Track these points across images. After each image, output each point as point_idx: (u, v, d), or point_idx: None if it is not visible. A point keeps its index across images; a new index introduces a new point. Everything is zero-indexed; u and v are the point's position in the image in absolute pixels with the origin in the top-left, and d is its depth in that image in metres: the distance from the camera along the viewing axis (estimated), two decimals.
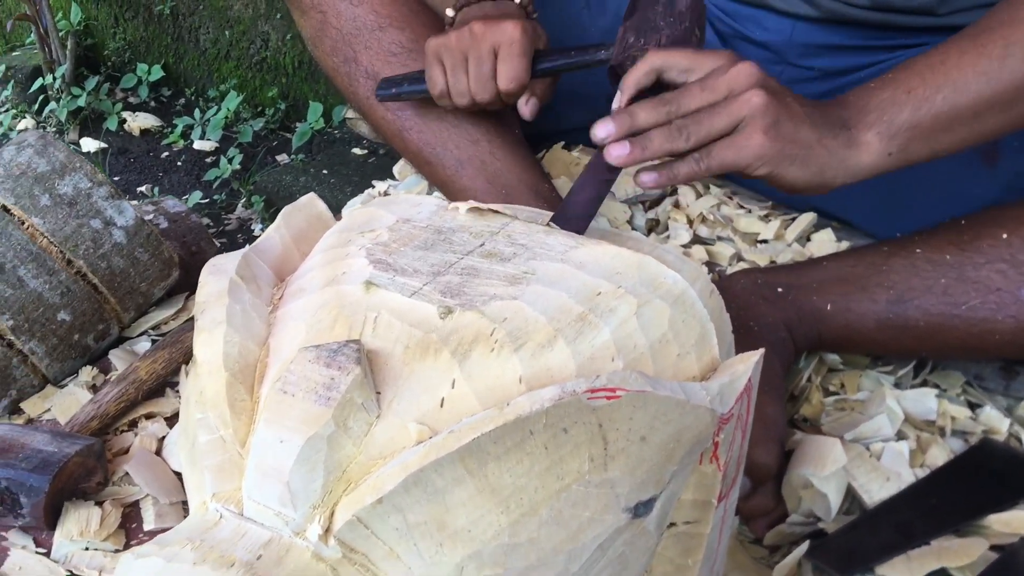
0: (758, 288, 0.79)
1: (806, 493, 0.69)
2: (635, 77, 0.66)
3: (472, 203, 0.61)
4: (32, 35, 2.16)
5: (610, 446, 0.46)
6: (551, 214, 0.68)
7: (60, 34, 2.15)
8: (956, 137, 0.67)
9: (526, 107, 0.88)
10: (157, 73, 2.21)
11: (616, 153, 0.62)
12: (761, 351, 0.55)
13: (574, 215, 0.62)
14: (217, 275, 0.55)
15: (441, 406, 0.47)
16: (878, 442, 0.73)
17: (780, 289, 0.79)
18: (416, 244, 0.57)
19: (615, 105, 0.68)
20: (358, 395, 0.46)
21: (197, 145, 2.03)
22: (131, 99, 2.22)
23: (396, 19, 0.98)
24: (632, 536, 0.49)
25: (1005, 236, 0.71)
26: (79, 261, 0.80)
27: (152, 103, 2.22)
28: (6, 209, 0.80)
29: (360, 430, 0.46)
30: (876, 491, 0.69)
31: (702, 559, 0.55)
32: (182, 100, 2.23)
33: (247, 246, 0.61)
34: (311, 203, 0.67)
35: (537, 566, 0.45)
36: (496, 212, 0.61)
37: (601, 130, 0.63)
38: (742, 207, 1.00)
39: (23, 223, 0.79)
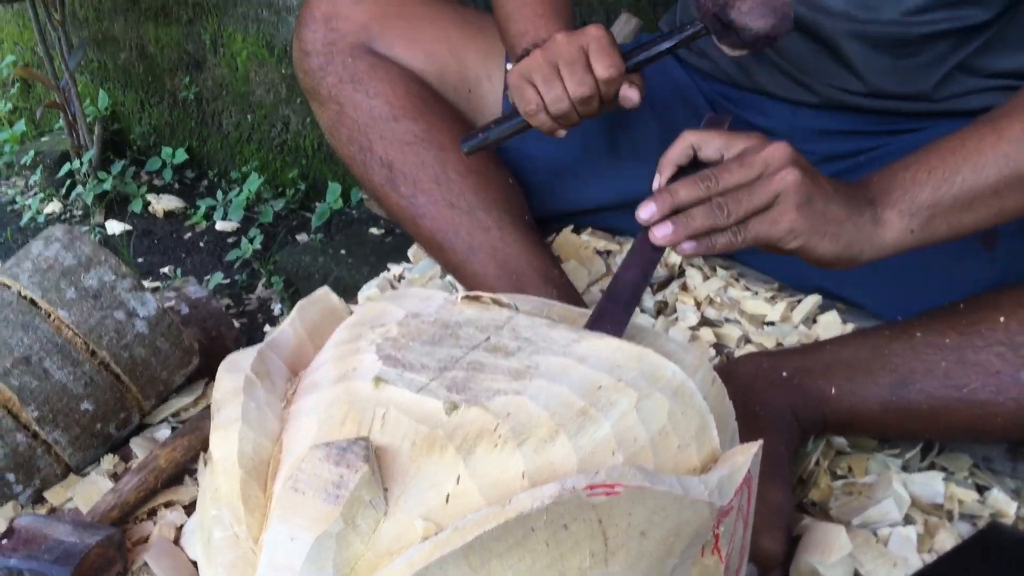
0: (763, 372, 0.81)
1: None
2: (672, 155, 0.69)
3: (477, 293, 0.63)
4: (61, 121, 2.24)
5: (610, 541, 0.48)
6: (557, 303, 0.70)
7: (88, 120, 2.22)
8: (977, 216, 0.70)
9: (632, 91, 0.86)
10: (181, 156, 2.28)
11: (661, 233, 0.65)
12: (760, 442, 0.57)
13: (621, 298, 0.64)
14: (233, 372, 0.57)
15: (447, 502, 0.49)
16: (885, 527, 0.74)
17: (785, 373, 0.80)
18: (424, 339, 0.59)
19: (655, 184, 0.71)
20: (366, 493, 0.48)
21: (219, 226, 2.08)
22: (156, 181, 2.28)
23: (410, 110, 1.02)
24: None
25: (1003, 320, 0.73)
26: (103, 352, 0.83)
27: (176, 185, 2.28)
28: (33, 303, 0.83)
29: (368, 527, 0.48)
30: None
31: None
32: (205, 182, 2.30)
33: (263, 342, 0.63)
34: (325, 296, 0.69)
35: None
36: (501, 304, 0.63)
37: (645, 212, 0.66)
38: (748, 289, 1.02)
39: (49, 316, 0.82)
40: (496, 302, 0.64)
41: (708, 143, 0.69)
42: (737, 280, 1.03)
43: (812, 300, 0.97)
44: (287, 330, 0.65)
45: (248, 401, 0.55)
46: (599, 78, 0.83)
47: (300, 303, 0.68)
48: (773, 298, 1.00)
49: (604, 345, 0.58)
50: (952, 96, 0.93)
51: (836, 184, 0.69)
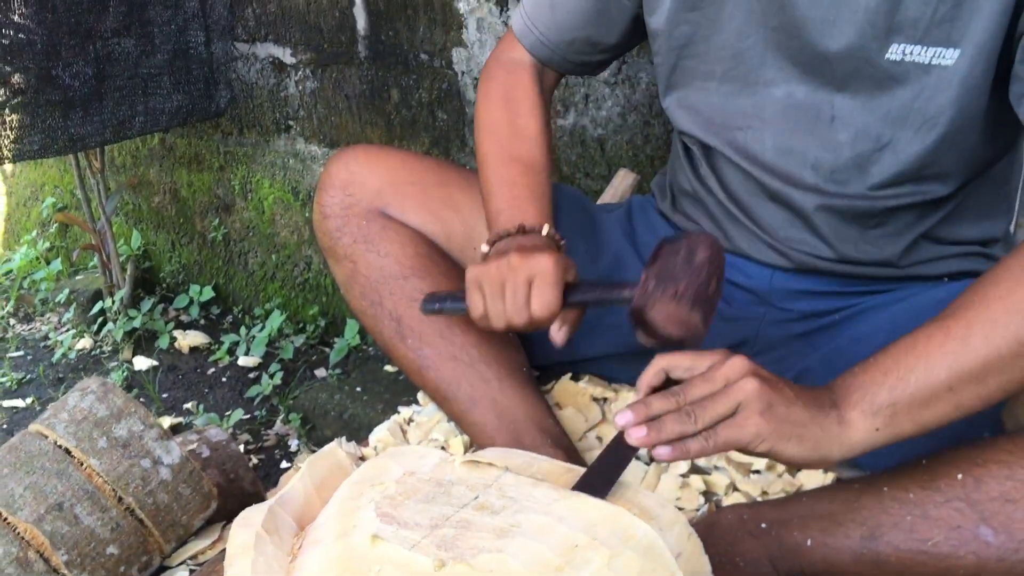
0: (743, 524, 0.86)
1: None
2: (647, 379, 0.77)
3: (473, 458, 0.70)
4: (95, 260, 2.37)
5: None
6: (544, 459, 0.77)
7: (121, 259, 2.35)
8: (938, 412, 0.75)
9: (558, 334, 0.95)
10: (208, 294, 2.40)
11: (636, 435, 0.71)
12: None
13: (599, 482, 0.72)
14: (246, 528, 0.64)
15: None
16: None
17: (764, 524, 0.85)
18: (418, 497, 0.66)
19: (631, 401, 0.78)
20: None
21: (242, 361, 2.16)
22: (183, 318, 2.39)
23: (418, 270, 1.11)
24: None
25: (960, 476, 0.78)
26: (129, 498, 0.90)
27: (202, 321, 2.39)
28: (68, 451, 0.90)
29: None
30: None
31: None
32: (230, 318, 2.40)
33: (275, 496, 0.70)
34: (333, 452, 0.76)
35: None
36: (490, 465, 0.70)
37: (622, 418, 0.72)
38: None
39: (82, 464, 0.89)
40: (489, 465, 0.70)
41: (677, 365, 0.77)
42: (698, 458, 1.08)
43: None
44: (297, 485, 0.72)
45: (257, 556, 0.61)
46: (534, 315, 0.91)
47: (310, 458, 0.75)
48: None
49: (582, 504, 0.65)
50: (917, 263, 1.01)
51: (797, 390, 0.75)
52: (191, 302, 2.39)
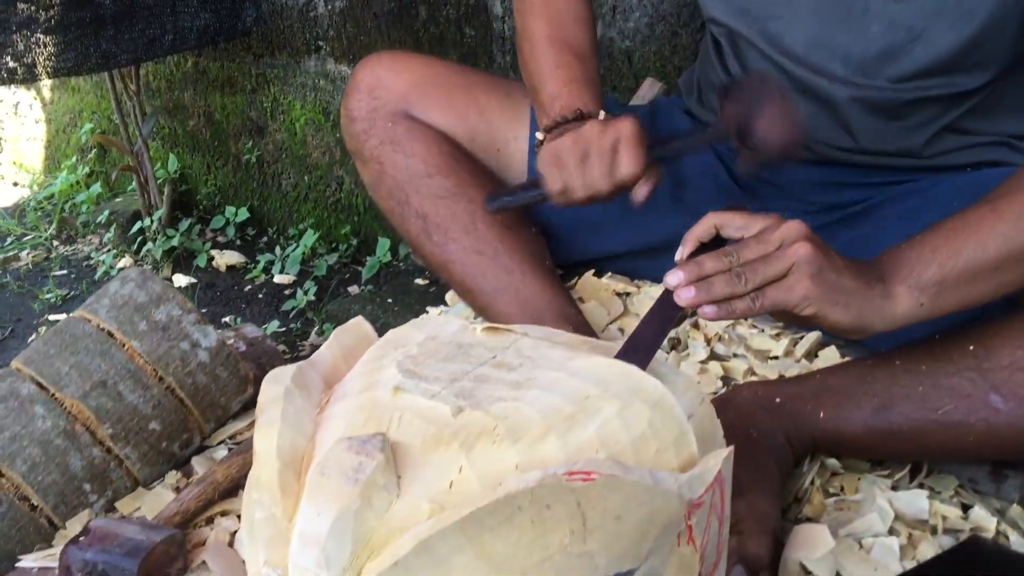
0: (758, 399, 0.88)
1: None
2: (697, 232, 0.77)
3: (495, 325, 0.73)
4: (133, 183, 2.43)
5: (588, 522, 0.56)
6: (565, 333, 0.79)
7: (158, 182, 2.40)
8: (980, 290, 0.76)
9: (641, 190, 0.95)
10: (243, 215, 2.44)
11: (685, 295, 0.72)
12: (730, 448, 0.64)
13: (641, 347, 0.72)
14: (276, 383, 0.67)
15: (450, 488, 0.58)
16: (869, 538, 0.80)
17: (778, 400, 0.88)
18: (439, 357, 0.68)
19: (678, 256, 0.78)
20: (381, 477, 0.57)
21: (277, 279, 2.21)
22: (219, 238, 2.44)
23: (442, 168, 1.14)
24: None
25: (971, 348, 0.79)
26: (169, 378, 0.94)
27: (238, 242, 2.43)
28: (110, 334, 0.95)
29: (382, 506, 0.57)
30: None
31: None
32: (265, 238, 2.44)
33: (302, 362, 0.73)
34: (359, 325, 0.79)
35: None
36: (509, 331, 0.72)
37: (673, 278, 0.73)
38: (755, 327, 1.09)
39: (124, 345, 0.94)
40: (508, 330, 0.73)
41: (731, 223, 0.77)
42: (744, 319, 1.10)
43: (813, 336, 1.04)
44: (324, 352, 0.75)
45: (287, 406, 0.65)
46: (623, 176, 0.91)
47: (337, 329, 0.78)
48: (777, 335, 1.07)
49: (595, 363, 0.67)
50: (940, 153, 1.01)
51: (847, 260, 0.76)
52: (227, 223, 2.44)
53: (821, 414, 0.85)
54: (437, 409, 0.61)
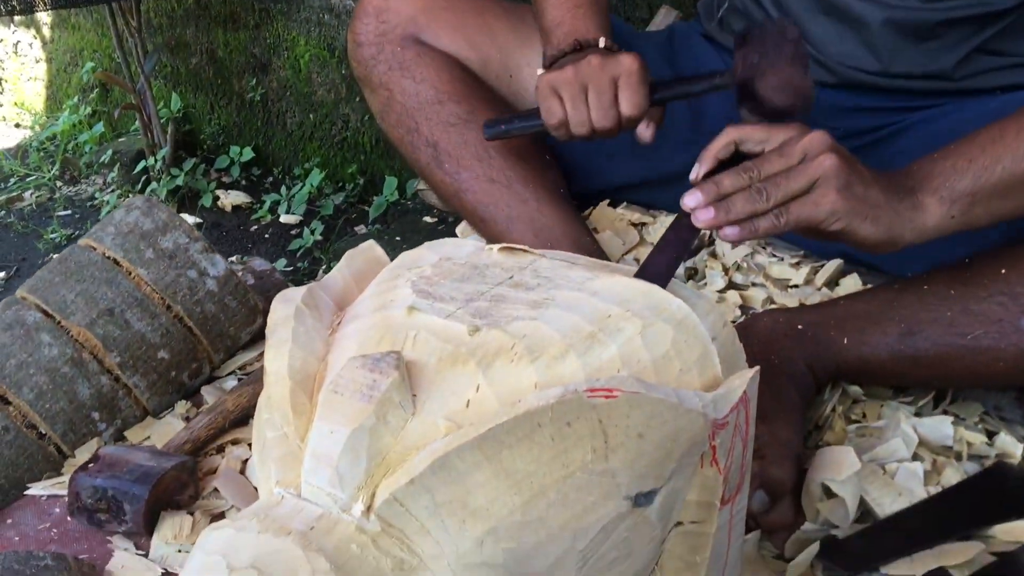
0: (780, 326, 0.86)
1: (823, 505, 0.75)
2: (715, 149, 0.73)
3: (511, 245, 0.70)
4: (136, 123, 2.39)
5: (610, 440, 0.54)
6: (583, 257, 0.76)
7: (161, 121, 2.36)
8: (1014, 203, 0.74)
9: (646, 132, 0.92)
10: (248, 154, 2.40)
11: (703, 217, 0.69)
12: (756, 368, 0.62)
13: (656, 273, 0.68)
14: (286, 303, 0.65)
15: (467, 406, 0.56)
16: (893, 463, 0.78)
17: (800, 326, 0.85)
18: (454, 277, 0.66)
19: (693, 175, 0.74)
20: (396, 395, 0.55)
21: (283, 219, 2.19)
22: (224, 179, 2.41)
23: (453, 94, 1.10)
24: (635, 523, 0.56)
25: (1003, 272, 0.77)
26: (177, 307, 0.92)
27: (243, 182, 2.40)
28: (116, 262, 0.92)
29: (397, 424, 0.55)
30: (888, 505, 0.74)
31: (709, 558, 0.62)
32: (270, 178, 2.41)
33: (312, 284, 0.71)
34: (370, 248, 0.77)
35: (546, 541, 0.53)
36: (526, 251, 0.70)
37: (691, 199, 0.69)
38: (775, 256, 1.07)
39: (130, 273, 0.92)
40: (525, 251, 0.70)
41: (750, 137, 0.73)
42: (764, 247, 1.08)
43: (834, 264, 1.02)
44: (336, 274, 0.73)
45: (298, 326, 0.63)
46: (623, 115, 0.88)
47: (348, 252, 0.75)
48: (797, 263, 1.05)
49: (615, 282, 0.65)
50: (970, 75, 0.97)
51: (875, 172, 0.73)
52: (232, 163, 2.41)
53: (845, 340, 0.83)
54: (453, 328, 0.59)
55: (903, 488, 0.75)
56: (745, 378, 0.61)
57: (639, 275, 0.69)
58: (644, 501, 0.56)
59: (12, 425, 0.84)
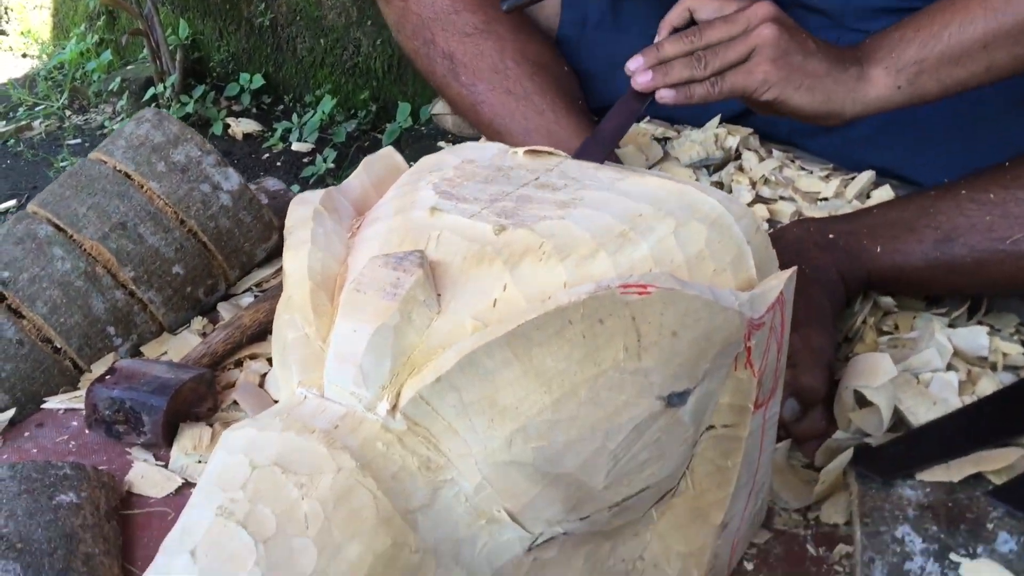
0: (810, 235, 0.83)
1: (855, 415, 0.73)
2: (671, 18, 0.74)
3: (536, 148, 0.67)
4: (144, 50, 2.34)
5: (643, 338, 0.52)
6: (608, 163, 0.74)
7: (170, 48, 2.31)
8: (966, 72, 0.73)
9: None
10: (258, 82, 2.35)
11: (641, 80, 0.71)
12: (794, 269, 0.60)
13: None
14: (304, 205, 0.63)
15: (493, 305, 0.54)
16: (927, 373, 0.76)
17: (831, 235, 0.83)
18: (478, 179, 0.64)
19: (655, 42, 0.75)
20: (420, 293, 0.53)
21: (295, 147, 2.15)
22: (234, 107, 2.37)
23: (469, 3, 1.06)
24: (667, 424, 0.54)
25: None
26: (191, 221, 0.90)
27: (254, 109, 2.36)
28: (127, 175, 0.90)
29: (422, 323, 0.53)
30: (923, 414, 0.72)
31: (741, 462, 0.60)
32: (281, 106, 2.37)
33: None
34: (390, 154, 0.74)
35: (577, 440, 0.51)
36: (552, 153, 0.67)
37: (633, 63, 0.72)
38: (803, 169, 1.03)
39: (142, 187, 0.90)
40: (551, 153, 0.68)
41: (704, 6, 0.74)
42: (792, 161, 1.04)
43: (866, 176, 0.99)
44: (354, 180, 0.71)
45: (317, 227, 0.61)
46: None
47: (367, 158, 0.73)
48: (827, 176, 1.01)
49: (647, 182, 0.62)
50: None
51: (822, 44, 0.73)
52: (242, 91, 2.36)
53: (878, 248, 0.80)
54: (477, 227, 0.57)
55: (938, 398, 0.73)
56: (782, 278, 0.59)
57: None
58: (677, 401, 0.54)
59: (27, 339, 0.83)
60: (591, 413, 0.51)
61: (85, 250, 0.86)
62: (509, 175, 0.64)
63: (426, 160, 0.69)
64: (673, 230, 0.58)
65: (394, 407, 0.52)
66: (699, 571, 0.62)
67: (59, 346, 0.84)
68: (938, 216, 0.78)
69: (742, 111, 1.09)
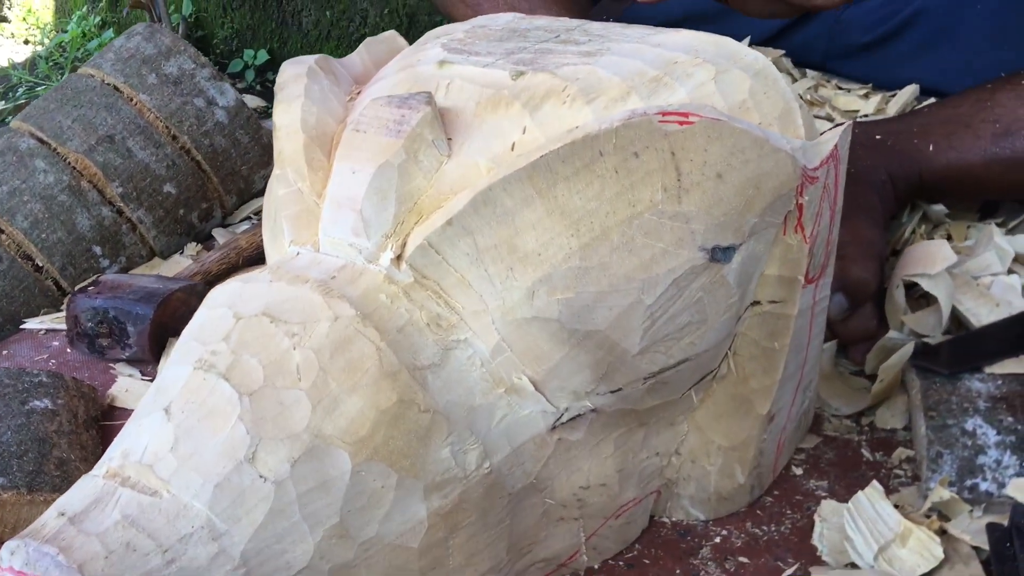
0: (856, 137, 0.76)
1: (909, 318, 0.66)
2: None
3: (547, 16, 0.61)
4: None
5: (684, 178, 0.45)
6: None
7: (173, 25, 2.26)
8: None
9: None
10: (263, 57, 2.30)
11: None
12: (850, 122, 0.53)
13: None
14: (297, 64, 0.57)
15: (512, 149, 0.47)
16: (987, 277, 0.69)
17: (879, 136, 0.76)
18: (491, 39, 0.57)
19: None
20: (428, 132, 0.46)
21: None
22: (238, 84, 2.31)
23: None
24: (710, 283, 0.47)
25: None
26: (183, 137, 0.84)
27: (257, 87, 2.30)
28: (116, 88, 0.84)
29: (431, 165, 0.46)
30: (985, 316, 0.65)
31: (789, 346, 0.53)
32: None
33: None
34: (392, 37, 0.68)
35: (609, 292, 0.44)
36: (573, 19, 0.61)
37: None
38: (840, 87, 0.97)
39: (132, 100, 0.84)
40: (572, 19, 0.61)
41: None
42: (828, 81, 0.98)
43: (909, 90, 0.92)
44: (354, 57, 0.65)
45: (311, 83, 0.54)
46: None
47: (368, 39, 0.67)
48: (866, 95, 0.94)
49: (681, 33, 0.55)
50: None
51: None
52: (246, 67, 2.31)
53: (930, 147, 0.74)
54: (492, 74, 0.51)
55: (1000, 300, 0.66)
56: (837, 132, 0.52)
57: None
58: (721, 257, 0.47)
59: (6, 255, 0.76)
60: (625, 261, 0.45)
61: (69, 163, 0.80)
62: (526, 35, 0.58)
63: (433, 31, 0.63)
64: (713, 76, 0.51)
65: (399, 257, 0.45)
66: (743, 468, 0.55)
67: (41, 264, 0.78)
68: (996, 109, 0.72)
69: (773, 34, 1.02)
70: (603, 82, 0.49)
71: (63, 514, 0.37)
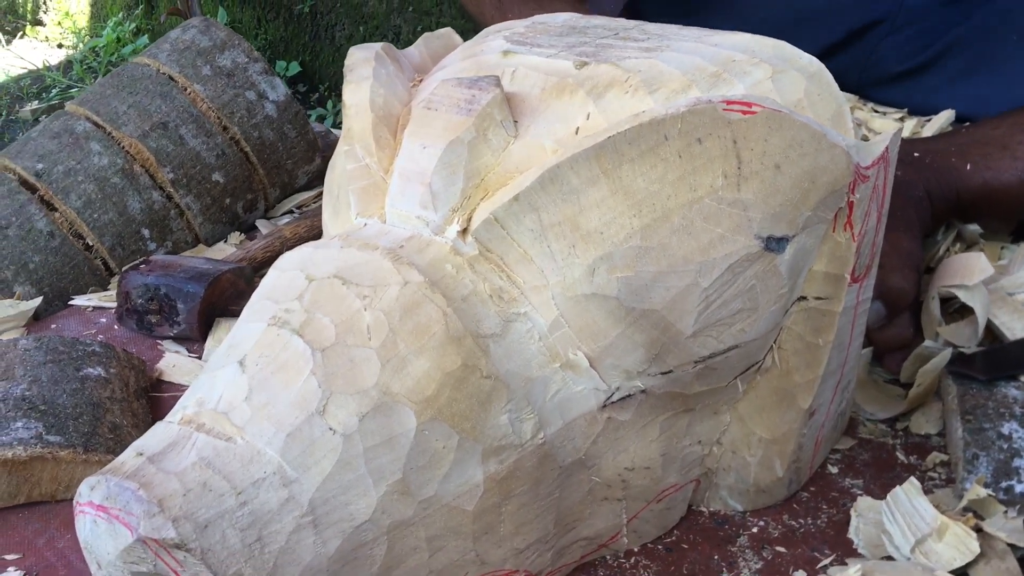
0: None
1: (944, 329, 0.67)
2: None
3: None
4: None
5: (744, 166, 0.47)
6: None
7: None
8: None
9: None
10: (295, 68, 2.35)
11: None
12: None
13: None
14: (365, 49, 0.59)
15: (576, 133, 0.49)
16: (1021, 295, 0.70)
17: (917, 153, 0.77)
18: (552, 34, 0.59)
19: None
20: (497, 112, 0.48)
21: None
22: None
23: None
24: (763, 271, 0.49)
25: None
26: (234, 127, 0.86)
27: None
28: (171, 78, 0.86)
29: (499, 144, 0.48)
30: (1020, 330, 0.66)
31: (832, 342, 0.54)
32: (316, 95, 2.36)
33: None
34: (449, 34, 0.70)
35: (668, 272, 0.46)
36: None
37: None
38: (876, 111, 0.98)
39: (186, 89, 0.86)
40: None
41: None
42: (864, 104, 1.00)
43: (945, 115, 0.93)
44: (412, 50, 0.66)
45: (379, 67, 0.56)
46: None
47: (425, 34, 0.69)
48: (901, 118, 0.96)
49: (738, 35, 0.57)
50: None
51: None
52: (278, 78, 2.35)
53: (968, 166, 0.75)
54: (556, 63, 0.52)
55: None
56: (889, 134, 0.54)
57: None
58: (775, 247, 0.49)
59: (58, 232, 0.78)
60: (683, 243, 0.46)
61: (123, 147, 0.82)
62: (586, 31, 0.60)
63: (490, 27, 0.65)
64: (770, 75, 0.53)
65: (464, 231, 0.46)
66: (782, 461, 0.56)
67: (91, 243, 0.80)
68: None
69: None
70: (664, 74, 0.51)
71: (141, 454, 0.38)
